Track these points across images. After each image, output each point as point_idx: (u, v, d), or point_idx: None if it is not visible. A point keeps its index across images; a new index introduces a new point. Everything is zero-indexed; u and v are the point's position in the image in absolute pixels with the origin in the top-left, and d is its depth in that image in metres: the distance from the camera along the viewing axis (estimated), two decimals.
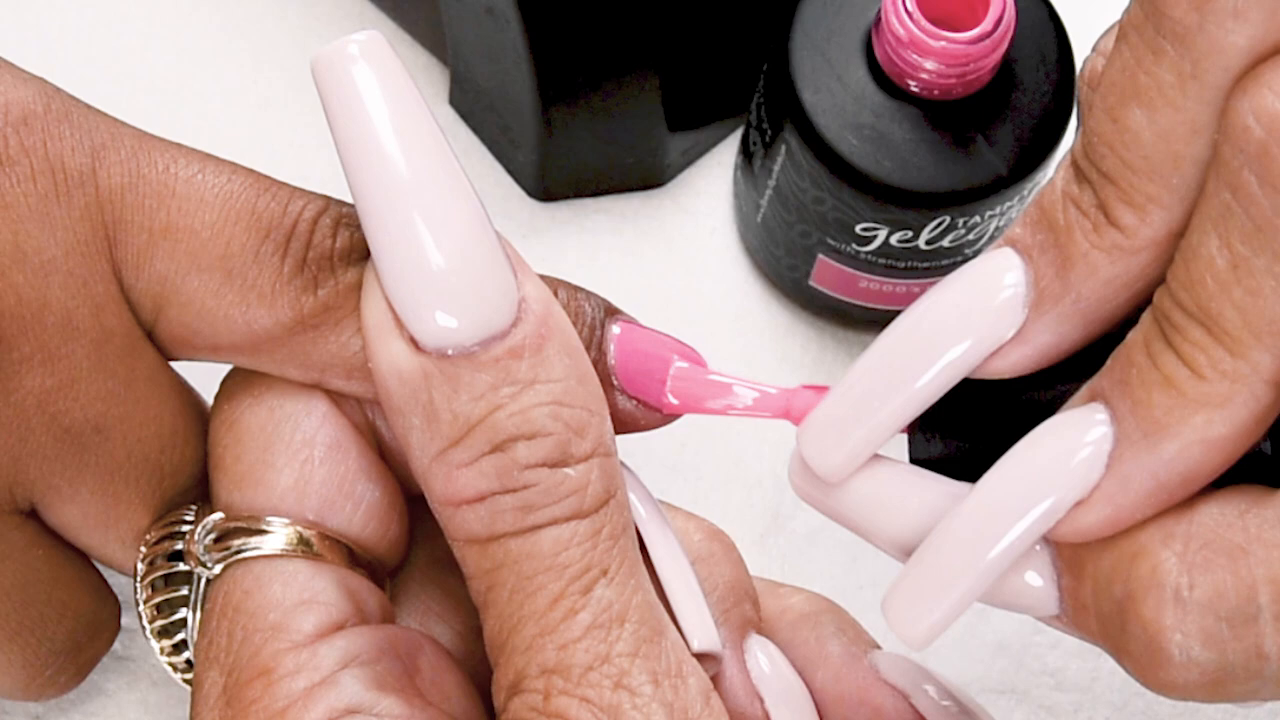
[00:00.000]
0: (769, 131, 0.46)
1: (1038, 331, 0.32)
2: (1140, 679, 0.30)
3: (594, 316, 0.36)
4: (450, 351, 0.32)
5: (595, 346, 0.35)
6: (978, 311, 0.32)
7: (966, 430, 0.33)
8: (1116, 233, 0.30)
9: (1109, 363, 0.31)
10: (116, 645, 0.44)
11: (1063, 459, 0.30)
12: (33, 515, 0.36)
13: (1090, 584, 0.31)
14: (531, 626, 0.32)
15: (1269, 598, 0.28)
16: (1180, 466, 0.29)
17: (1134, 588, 0.30)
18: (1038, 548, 0.32)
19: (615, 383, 0.36)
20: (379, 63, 0.32)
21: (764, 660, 0.36)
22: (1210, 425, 0.29)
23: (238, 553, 0.34)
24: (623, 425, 0.36)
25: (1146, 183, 0.30)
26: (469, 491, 0.32)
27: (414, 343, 0.32)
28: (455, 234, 0.32)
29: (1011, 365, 0.32)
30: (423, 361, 0.32)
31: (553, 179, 0.51)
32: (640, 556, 0.33)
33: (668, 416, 0.36)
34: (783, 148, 0.45)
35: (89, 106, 0.35)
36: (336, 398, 0.36)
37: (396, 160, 0.32)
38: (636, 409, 0.36)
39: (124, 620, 0.41)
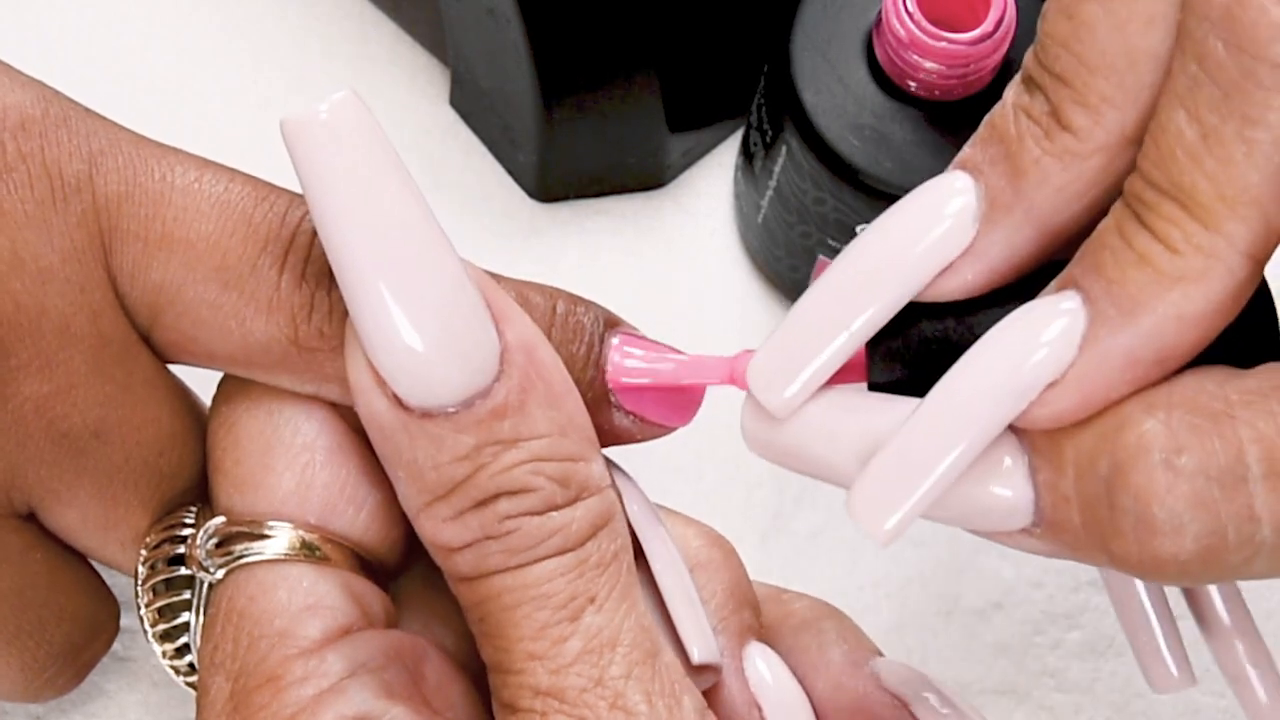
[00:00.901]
0: (769, 132, 0.46)
1: (990, 244, 0.31)
2: (1131, 564, 0.29)
3: (593, 332, 0.35)
4: (433, 411, 0.32)
5: (593, 364, 0.35)
6: (926, 227, 0.31)
7: (924, 355, 0.32)
8: (1069, 136, 0.30)
9: (1078, 255, 0.30)
10: (117, 646, 0.45)
11: (1034, 339, 0.30)
12: (30, 519, 0.36)
13: (1072, 469, 0.30)
14: (522, 653, 0.32)
15: (1256, 458, 0.28)
16: (1157, 343, 0.29)
17: (1121, 458, 0.29)
18: (1008, 459, 0.31)
19: (612, 399, 0.36)
20: (349, 128, 0.31)
21: (763, 668, 0.36)
22: (1187, 300, 0.28)
23: (240, 557, 0.34)
24: (620, 438, 0.36)
25: (1101, 81, 0.29)
26: (455, 542, 0.32)
27: (397, 400, 0.32)
28: (431, 304, 0.31)
29: (964, 283, 0.31)
30: (406, 421, 0.32)
31: (553, 179, 0.50)
32: (635, 578, 0.33)
33: (666, 430, 0.36)
34: (783, 148, 0.45)
35: (87, 110, 0.35)
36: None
37: (366, 235, 0.31)
38: (633, 424, 0.36)
39: (125, 621, 0.41)
